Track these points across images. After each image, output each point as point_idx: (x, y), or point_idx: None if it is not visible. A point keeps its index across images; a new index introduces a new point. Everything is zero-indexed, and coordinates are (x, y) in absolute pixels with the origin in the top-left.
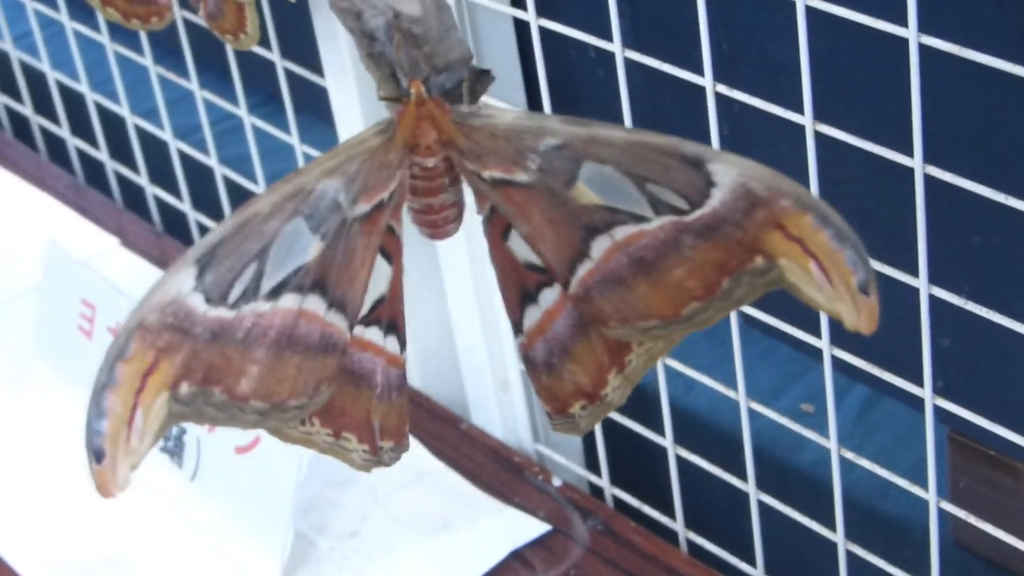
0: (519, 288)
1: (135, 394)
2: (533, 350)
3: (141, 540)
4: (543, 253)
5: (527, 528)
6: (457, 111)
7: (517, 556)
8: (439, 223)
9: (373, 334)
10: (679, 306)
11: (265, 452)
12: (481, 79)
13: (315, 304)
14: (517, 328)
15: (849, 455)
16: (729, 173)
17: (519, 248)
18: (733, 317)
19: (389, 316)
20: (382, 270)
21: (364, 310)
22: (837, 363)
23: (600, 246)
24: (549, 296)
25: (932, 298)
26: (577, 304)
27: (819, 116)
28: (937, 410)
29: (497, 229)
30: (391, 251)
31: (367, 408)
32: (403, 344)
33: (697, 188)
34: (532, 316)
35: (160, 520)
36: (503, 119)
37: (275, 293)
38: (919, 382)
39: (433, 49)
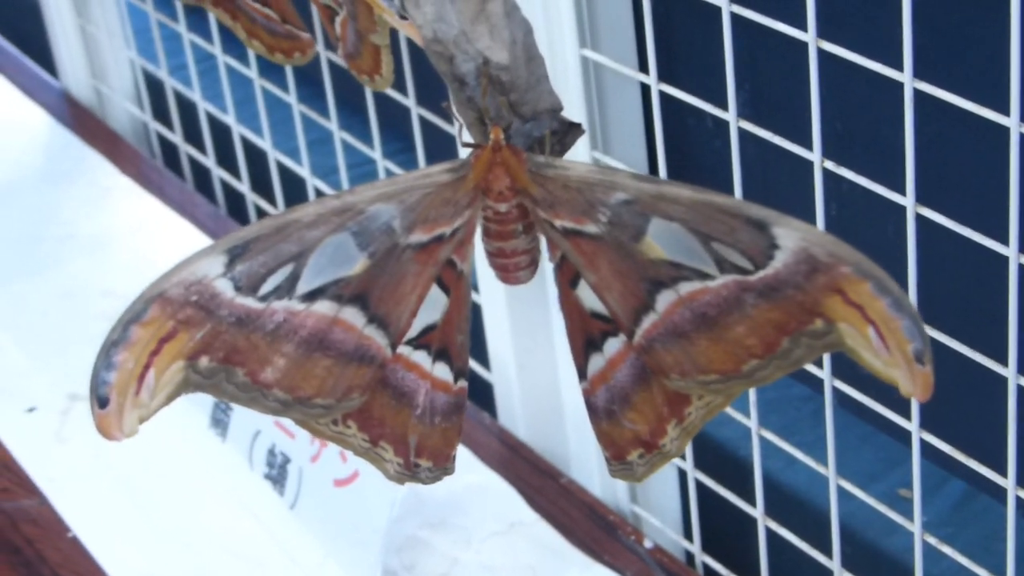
0: (584, 335)
1: (149, 355)
2: (595, 396)
3: (237, 563)
4: (609, 303)
5: None
6: (533, 160)
7: None
8: (510, 268)
9: (420, 357)
10: (739, 362)
11: (362, 487)
12: (571, 131)
13: (353, 316)
14: (581, 374)
15: (932, 540)
16: (792, 237)
17: (586, 296)
18: (828, 396)
19: (440, 344)
20: (437, 299)
21: (413, 333)
22: (933, 454)
23: (665, 300)
24: (613, 345)
25: (1020, 388)
26: (640, 355)
27: (925, 200)
28: None
29: (566, 277)
30: (449, 284)
31: (405, 424)
32: (459, 375)
33: (761, 249)
34: (596, 363)
35: (257, 545)
36: (576, 171)
37: (311, 297)
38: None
39: (520, 97)
